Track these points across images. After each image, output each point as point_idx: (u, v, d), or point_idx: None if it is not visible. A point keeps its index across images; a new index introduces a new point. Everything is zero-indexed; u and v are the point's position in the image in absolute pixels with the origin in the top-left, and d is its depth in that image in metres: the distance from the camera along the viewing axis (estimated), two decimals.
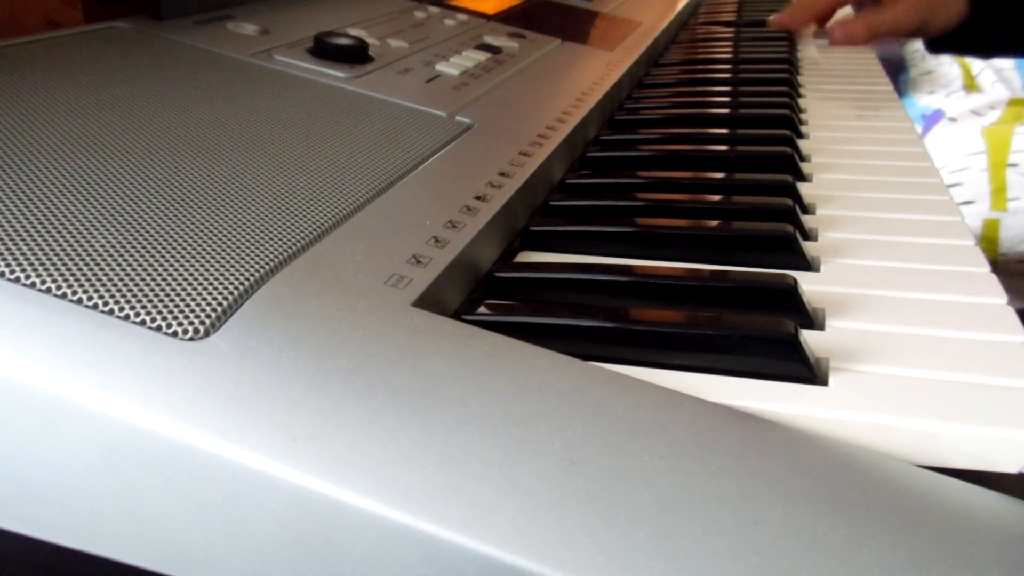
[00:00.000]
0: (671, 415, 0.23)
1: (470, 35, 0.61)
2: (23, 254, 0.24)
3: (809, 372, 0.26)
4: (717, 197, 0.39)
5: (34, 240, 0.25)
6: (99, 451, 0.22)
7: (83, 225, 0.27)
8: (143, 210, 0.28)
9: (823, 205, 0.41)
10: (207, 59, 0.44)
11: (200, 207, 0.29)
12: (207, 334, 0.23)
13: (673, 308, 0.30)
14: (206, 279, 0.25)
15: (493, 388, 0.23)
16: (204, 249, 0.27)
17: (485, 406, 0.22)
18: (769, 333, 0.26)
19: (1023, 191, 1.12)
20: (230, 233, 0.28)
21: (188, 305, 0.24)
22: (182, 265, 0.26)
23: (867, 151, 0.49)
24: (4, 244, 0.25)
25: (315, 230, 0.29)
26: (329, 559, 0.20)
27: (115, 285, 0.24)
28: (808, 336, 0.28)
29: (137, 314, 0.23)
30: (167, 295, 0.24)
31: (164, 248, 0.26)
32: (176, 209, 0.29)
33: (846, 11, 0.88)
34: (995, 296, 0.31)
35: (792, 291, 0.29)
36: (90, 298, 0.23)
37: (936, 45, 0.83)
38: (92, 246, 0.26)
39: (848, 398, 0.25)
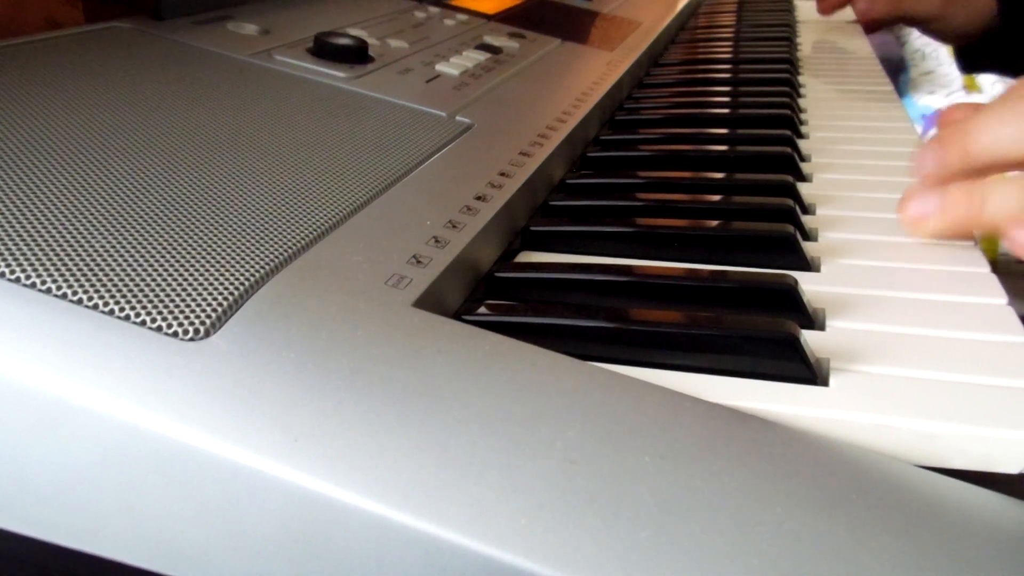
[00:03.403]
0: (671, 415, 0.23)
1: (470, 35, 0.60)
2: (23, 254, 0.24)
3: (810, 372, 0.26)
4: (717, 197, 0.39)
5: (34, 240, 0.25)
6: (99, 451, 0.22)
7: (83, 225, 0.27)
8: (143, 210, 0.28)
9: (823, 205, 0.41)
10: (207, 59, 0.44)
11: (200, 207, 0.29)
12: (207, 334, 0.23)
13: (673, 308, 0.30)
14: (207, 279, 0.25)
15: (494, 388, 0.23)
16: (204, 249, 0.27)
17: (486, 406, 0.22)
18: (770, 333, 0.26)
19: None
20: (230, 233, 0.28)
21: (188, 305, 0.24)
22: (183, 265, 0.26)
23: (867, 151, 0.49)
24: (4, 244, 0.25)
25: (315, 230, 0.29)
26: (329, 559, 0.20)
27: (115, 285, 0.24)
28: (809, 336, 0.28)
29: (137, 314, 0.23)
30: (167, 295, 0.24)
31: (164, 248, 0.26)
32: (176, 209, 0.29)
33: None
34: (995, 296, 0.31)
35: (793, 291, 0.29)
36: (90, 298, 0.23)
37: (968, 62, 0.83)
38: (92, 246, 0.26)
39: (849, 398, 0.25)
